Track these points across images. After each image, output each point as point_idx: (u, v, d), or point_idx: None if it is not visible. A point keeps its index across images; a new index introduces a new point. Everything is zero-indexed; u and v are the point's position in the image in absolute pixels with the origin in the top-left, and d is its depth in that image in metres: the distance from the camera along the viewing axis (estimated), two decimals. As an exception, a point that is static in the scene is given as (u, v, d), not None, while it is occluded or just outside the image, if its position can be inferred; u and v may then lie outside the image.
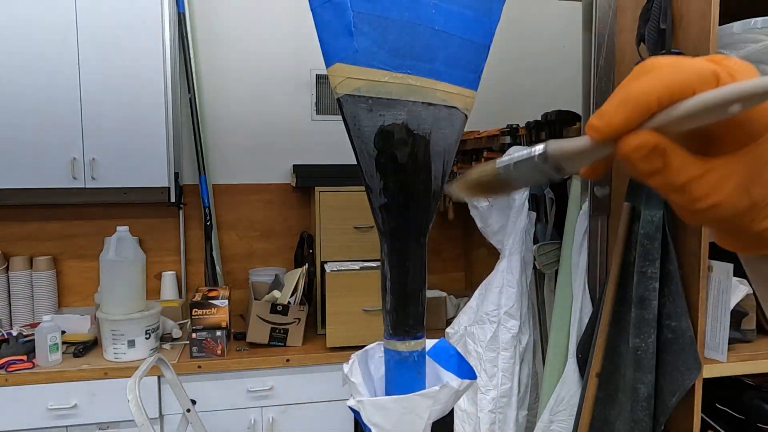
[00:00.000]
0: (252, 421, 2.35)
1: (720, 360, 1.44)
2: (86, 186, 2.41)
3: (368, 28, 0.55)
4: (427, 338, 0.68)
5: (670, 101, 0.33)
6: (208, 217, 2.80)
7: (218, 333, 2.32)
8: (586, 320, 1.71)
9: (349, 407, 0.64)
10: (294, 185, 2.76)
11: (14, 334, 2.38)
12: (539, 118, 2.05)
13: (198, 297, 2.39)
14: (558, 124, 1.96)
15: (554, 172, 0.37)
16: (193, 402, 1.98)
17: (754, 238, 0.38)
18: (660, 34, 1.40)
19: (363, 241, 2.58)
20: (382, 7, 0.55)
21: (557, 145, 0.36)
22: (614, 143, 0.35)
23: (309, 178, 2.69)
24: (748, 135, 0.35)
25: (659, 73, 0.34)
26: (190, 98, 2.74)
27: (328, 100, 2.95)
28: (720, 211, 0.35)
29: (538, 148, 0.37)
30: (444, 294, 2.77)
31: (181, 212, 2.82)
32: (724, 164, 0.35)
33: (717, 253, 1.40)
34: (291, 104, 2.92)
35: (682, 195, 0.35)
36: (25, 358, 2.20)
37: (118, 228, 2.26)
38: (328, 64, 0.58)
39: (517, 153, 0.38)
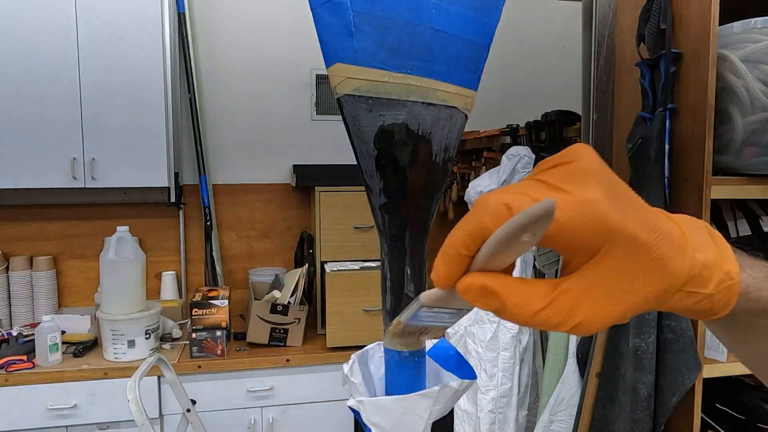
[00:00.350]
0: (252, 421, 2.35)
1: (720, 360, 1.44)
2: (86, 186, 2.41)
3: (368, 28, 0.55)
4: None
5: (477, 245, 0.32)
6: (208, 217, 2.80)
7: (218, 333, 2.32)
8: (586, 320, 1.70)
9: (349, 407, 0.64)
10: (294, 185, 2.76)
11: (14, 334, 2.38)
12: (539, 118, 2.05)
13: (198, 297, 2.39)
14: (558, 124, 1.96)
15: (453, 314, 0.39)
16: (193, 402, 1.99)
17: (683, 312, 0.37)
18: (660, 34, 1.40)
19: (363, 241, 2.58)
20: (382, 7, 0.55)
21: (427, 295, 0.37)
22: None
23: (309, 178, 2.69)
24: (584, 252, 0.33)
25: (465, 218, 0.33)
26: (190, 98, 2.74)
27: (328, 100, 2.95)
28: (588, 326, 0.33)
29: (417, 303, 0.38)
30: (444, 294, 2.76)
31: (181, 212, 2.82)
32: (576, 283, 0.33)
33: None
34: (291, 104, 2.92)
35: (540, 325, 0.33)
36: (25, 358, 2.20)
37: (118, 228, 2.26)
38: (328, 64, 0.58)
39: (405, 312, 0.40)
